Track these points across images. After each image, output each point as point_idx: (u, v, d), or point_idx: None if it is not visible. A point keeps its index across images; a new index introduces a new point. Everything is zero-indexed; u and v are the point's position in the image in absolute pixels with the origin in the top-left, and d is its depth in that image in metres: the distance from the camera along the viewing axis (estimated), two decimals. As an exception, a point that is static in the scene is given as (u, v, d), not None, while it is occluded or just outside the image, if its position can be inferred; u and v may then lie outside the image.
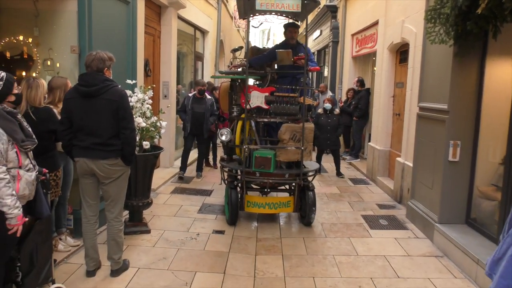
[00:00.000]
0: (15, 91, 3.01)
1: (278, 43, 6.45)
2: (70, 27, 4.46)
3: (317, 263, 4.34)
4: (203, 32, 11.53)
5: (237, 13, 16.11)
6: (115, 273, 3.82)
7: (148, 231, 4.93)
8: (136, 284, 3.71)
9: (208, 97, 7.81)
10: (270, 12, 5.73)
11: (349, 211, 6.13)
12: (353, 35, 10.74)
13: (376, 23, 8.52)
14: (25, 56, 4.73)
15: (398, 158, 6.76)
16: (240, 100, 5.51)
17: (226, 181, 5.57)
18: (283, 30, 6.09)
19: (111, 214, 3.74)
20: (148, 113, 4.82)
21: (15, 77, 3.08)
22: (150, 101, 4.92)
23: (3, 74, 2.89)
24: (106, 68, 3.53)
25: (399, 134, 7.05)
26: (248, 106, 5.20)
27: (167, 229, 5.10)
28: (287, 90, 5.34)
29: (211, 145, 8.72)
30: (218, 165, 6.49)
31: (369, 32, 9.34)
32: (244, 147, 5.13)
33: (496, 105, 4.47)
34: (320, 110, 8.61)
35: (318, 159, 8.49)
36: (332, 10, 12.68)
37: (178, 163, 8.07)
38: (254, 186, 5.73)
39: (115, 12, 5.07)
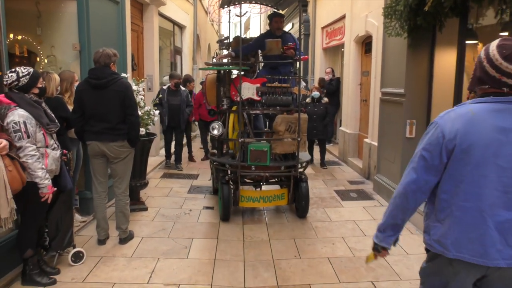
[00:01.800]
0: (40, 85, 3.53)
1: (263, 32, 6.46)
2: (70, 27, 4.96)
3: (296, 228, 5.04)
4: (181, 28, 12.03)
5: (211, 7, 16.66)
6: (123, 241, 4.41)
7: (146, 209, 5.52)
8: (142, 249, 4.31)
9: (183, 88, 7.93)
10: (256, 1, 5.80)
11: (324, 187, 6.86)
12: (323, 28, 11.45)
13: (343, 17, 9.24)
14: (25, 54, 5.20)
15: (365, 139, 7.54)
16: (230, 92, 5.34)
17: (216, 176, 5.49)
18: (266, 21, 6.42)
19: (118, 190, 4.33)
20: (141, 103, 5.37)
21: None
22: (143, 92, 5.47)
23: (30, 70, 3.43)
24: (112, 63, 4.09)
25: (366, 118, 7.82)
26: (240, 98, 5.04)
27: (162, 207, 5.70)
28: (278, 80, 5.23)
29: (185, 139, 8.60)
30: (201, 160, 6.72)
31: (337, 25, 10.06)
32: (240, 140, 4.98)
33: (443, 88, 5.23)
34: (308, 100, 8.37)
35: (310, 150, 8.32)
36: (303, 4, 13.34)
37: (163, 152, 8.58)
38: (247, 180, 5.57)
39: (107, 12, 5.57)
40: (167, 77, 10.13)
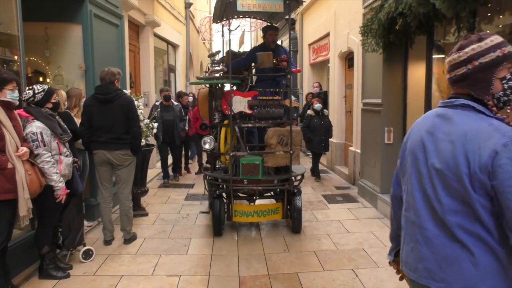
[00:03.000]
0: (53, 100, 3.99)
1: (256, 45, 6.45)
2: (76, 48, 5.44)
3: (286, 227, 5.48)
4: (174, 47, 12.59)
5: (202, 27, 17.30)
6: (127, 241, 4.83)
7: (146, 214, 5.94)
8: (145, 248, 4.74)
9: (175, 103, 8.10)
10: (249, 15, 5.77)
11: (312, 193, 7.32)
12: (310, 45, 12.08)
13: (328, 35, 9.85)
14: (29, 74, 5.65)
15: (350, 148, 8.05)
16: (222, 106, 5.30)
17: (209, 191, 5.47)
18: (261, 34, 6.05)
19: (122, 195, 4.77)
20: (141, 117, 5.84)
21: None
22: (142, 107, 5.94)
23: (45, 87, 3.90)
24: (116, 80, 4.58)
25: (351, 128, 8.35)
26: (231, 112, 4.98)
27: (161, 212, 6.13)
28: (270, 93, 5.18)
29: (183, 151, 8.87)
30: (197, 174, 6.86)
31: (323, 42, 10.67)
32: (231, 154, 4.95)
33: (416, 97, 5.77)
34: (310, 112, 8.29)
35: (316, 166, 8.39)
36: (291, 23, 13.98)
37: (159, 164, 8.98)
38: (241, 195, 5.55)
39: (108, 34, 6.08)
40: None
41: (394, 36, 5.36)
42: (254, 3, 4.77)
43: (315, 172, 8.43)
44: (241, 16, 6.24)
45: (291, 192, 5.17)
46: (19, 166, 3.27)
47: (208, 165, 5.65)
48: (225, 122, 5.25)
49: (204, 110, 5.79)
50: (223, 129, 5.27)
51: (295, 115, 6.14)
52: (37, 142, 3.64)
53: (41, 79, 5.50)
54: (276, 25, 5.98)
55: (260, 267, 4.26)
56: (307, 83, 12.32)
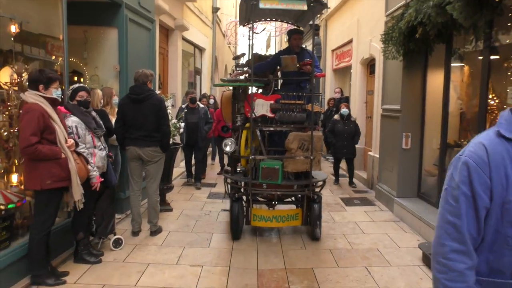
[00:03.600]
0: (78, 98, 4.23)
1: (282, 49, 6.40)
2: (111, 50, 5.82)
3: (303, 227, 5.69)
4: (201, 50, 12.97)
5: (228, 31, 17.68)
6: (154, 233, 5.15)
7: (171, 210, 6.26)
8: (170, 240, 5.04)
9: (201, 106, 8.14)
10: (273, 16, 5.68)
11: (330, 195, 7.52)
12: (333, 50, 12.27)
13: (351, 41, 10.03)
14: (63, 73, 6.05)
15: (369, 153, 8.21)
16: (244, 109, 5.26)
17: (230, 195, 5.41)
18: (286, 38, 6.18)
19: (151, 189, 5.09)
20: (169, 117, 6.16)
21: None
22: (170, 107, 6.27)
23: (76, 86, 4.28)
24: (148, 81, 4.92)
25: (371, 133, 8.50)
26: (253, 115, 4.98)
27: (185, 208, 6.44)
28: (293, 97, 5.09)
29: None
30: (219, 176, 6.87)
31: (345, 48, 10.85)
32: (251, 157, 4.92)
33: (435, 105, 5.92)
34: (336, 116, 8.27)
35: (336, 169, 8.46)
36: (315, 29, 14.20)
37: (183, 164, 9.28)
38: (260, 199, 5.50)
39: (141, 38, 6.44)
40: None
41: (414, 44, 5.54)
42: (276, 2, 4.72)
43: (336, 176, 8.51)
44: (268, 19, 6.13)
45: (311, 199, 5.08)
46: (70, 156, 3.64)
47: (229, 168, 5.62)
48: (247, 125, 5.22)
49: (227, 112, 5.87)
50: (244, 132, 5.26)
51: (320, 120, 6.15)
52: (72, 135, 3.99)
53: (76, 79, 5.88)
54: (302, 29, 5.89)
55: (277, 261, 4.50)
56: (329, 89, 12.49)
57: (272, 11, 5.60)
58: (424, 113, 6.15)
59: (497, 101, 4.99)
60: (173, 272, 4.14)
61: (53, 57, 4.76)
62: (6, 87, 4.14)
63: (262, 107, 5.08)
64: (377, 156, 7.49)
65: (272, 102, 5.09)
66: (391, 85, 6.73)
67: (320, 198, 5.19)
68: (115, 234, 4.68)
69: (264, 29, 16.29)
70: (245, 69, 5.79)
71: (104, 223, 4.51)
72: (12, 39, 4.26)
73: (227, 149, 5.15)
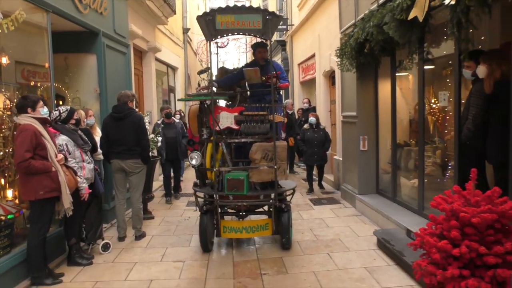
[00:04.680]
0: (75, 117, 4.86)
1: (248, 62, 6.49)
2: (91, 75, 6.35)
3: (275, 225, 6.29)
4: (174, 69, 13.56)
5: (199, 49, 18.35)
6: (138, 238, 5.65)
7: (153, 217, 6.77)
8: (154, 242, 5.56)
9: (177, 120, 8.33)
10: (233, 32, 5.59)
11: (300, 197, 8.15)
12: (299, 64, 13.07)
13: (313, 55, 10.83)
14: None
15: (334, 157, 8.92)
16: (210, 122, 5.24)
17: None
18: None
19: (134, 197, 5.62)
20: (148, 132, 6.70)
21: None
22: (148, 124, 6.82)
23: (68, 107, 4.80)
24: (129, 101, 5.48)
25: (335, 139, 9.21)
26: (217, 128, 5.06)
27: (166, 216, 6.96)
28: (257, 108, 5.18)
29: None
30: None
31: (310, 62, 11.64)
32: (215, 169, 4.98)
33: (385, 110, 6.66)
34: (306, 125, 8.61)
35: (309, 176, 8.61)
36: (281, 44, 15.06)
37: (161, 178, 9.72)
38: (230, 210, 5.58)
39: (118, 62, 6.99)
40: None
41: (364, 58, 6.28)
42: (232, 21, 4.82)
43: (309, 185, 8.68)
44: (235, 34, 6.05)
45: (280, 209, 5.13)
46: (60, 169, 4.15)
47: (197, 181, 5.55)
48: (212, 138, 5.17)
49: (194, 126, 5.82)
50: (209, 145, 5.24)
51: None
52: (63, 152, 4.50)
53: (61, 102, 6.38)
54: (266, 42, 5.93)
55: (251, 254, 5.09)
56: (297, 100, 13.26)
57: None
58: (378, 118, 6.88)
59: (438, 104, 5.77)
60: (158, 267, 4.67)
61: (39, 84, 5.29)
62: (0, 112, 4.63)
63: (226, 120, 5.16)
64: (341, 159, 8.18)
65: (236, 114, 5.16)
66: (348, 94, 7.47)
67: (289, 207, 5.22)
68: (103, 239, 5.18)
69: (228, 43, 16.91)
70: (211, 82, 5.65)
71: (93, 229, 5.01)
72: (1, 68, 4.78)
73: (193, 162, 5.15)
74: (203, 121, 5.44)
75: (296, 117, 12.06)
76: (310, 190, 8.58)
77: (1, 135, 4.61)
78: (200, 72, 5.95)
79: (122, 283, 4.30)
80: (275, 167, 4.94)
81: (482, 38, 5.04)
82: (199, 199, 5.36)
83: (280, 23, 13.11)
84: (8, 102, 4.73)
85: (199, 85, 6.00)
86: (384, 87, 6.71)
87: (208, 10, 5.22)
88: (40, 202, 4.14)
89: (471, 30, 3.98)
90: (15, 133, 4.34)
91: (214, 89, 5.60)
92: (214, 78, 6.04)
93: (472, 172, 3.29)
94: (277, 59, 16.22)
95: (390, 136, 6.50)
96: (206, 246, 5.10)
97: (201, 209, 5.14)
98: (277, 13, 15.23)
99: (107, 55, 6.44)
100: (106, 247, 5.15)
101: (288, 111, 10.45)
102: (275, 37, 15.32)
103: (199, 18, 4.93)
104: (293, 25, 13.24)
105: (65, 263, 4.77)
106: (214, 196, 4.97)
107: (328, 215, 6.76)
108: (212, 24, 4.96)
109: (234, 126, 5.15)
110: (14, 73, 5.10)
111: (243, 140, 5.16)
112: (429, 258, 3.35)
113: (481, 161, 4.29)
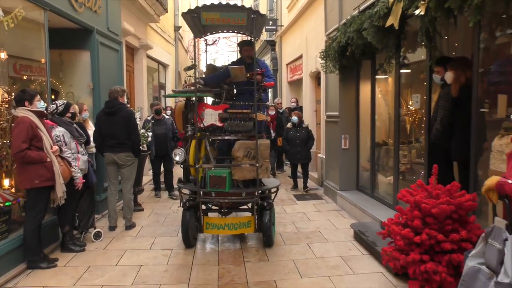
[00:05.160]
0: (71, 110, 5.12)
1: (234, 60, 6.63)
2: (84, 70, 6.59)
3: (259, 218, 6.61)
4: (164, 66, 13.79)
5: (190, 46, 18.58)
6: (128, 228, 5.93)
7: (142, 210, 7.04)
8: (143, 232, 5.84)
9: (167, 116, 8.45)
10: (217, 29, 5.63)
11: (284, 193, 8.48)
12: (287, 64, 13.39)
13: (301, 56, 11.16)
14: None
15: (318, 155, 9.27)
16: (194, 118, 5.18)
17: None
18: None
19: (125, 189, 5.89)
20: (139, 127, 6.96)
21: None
22: (138, 120, 7.08)
23: (65, 101, 5.05)
24: (119, 96, 5.75)
25: (320, 138, 9.56)
26: (202, 125, 5.07)
27: (155, 208, 7.24)
28: (242, 106, 5.21)
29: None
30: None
31: (298, 62, 11.97)
32: (197, 166, 5.01)
33: (366, 111, 7.02)
34: (289, 125, 8.69)
35: (293, 175, 8.86)
36: (271, 44, 15.38)
37: (151, 173, 9.95)
38: (213, 207, 5.67)
39: (111, 58, 7.24)
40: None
41: (346, 60, 6.61)
42: (217, 17, 4.87)
43: (294, 181, 8.93)
44: (224, 31, 5.99)
45: (262, 206, 5.17)
46: (55, 160, 4.41)
47: (182, 178, 5.58)
48: (198, 134, 5.20)
49: (179, 122, 5.74)
50: (193, 142, 5.21)
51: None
52: (60, 143, 4.76)
53: (53, 96, 6.59)
54: (252, 41, 5.65)
55: (235, 243, 5.39)
56: (285, 99, 13.58)
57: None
58: (359, 118, 7.24)
59: (414, 107, 6.13)
60: (147, 254, 4.96)
61: (32, 78, 5.52)
62: (-1, 105, 4.87)
63: (211, 117, 5.14)
64: (324, 157, 8.53)
65: (220, 111, 5.15)
66: (331, 95, 7.81)
67: (271, 205, 5.25)
68: (95, 228, 5.44)
69: (216, 40, 17.11)
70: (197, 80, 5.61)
71: (85, 218, 5.27)
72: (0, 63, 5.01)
73: (177, 158, 5.18)
74: (188, 118, 5.39)
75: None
76: (295, 187, 8.86)
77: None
78: (187, 69, 5.97)
79: (113, 267, 4.58)
80: (257, 165, 4.97)
81: (456, 45, 5.42)
82: (183, 195, 5.48)
83: (269, 23, 13.57)
84: (6, 95, 4.97)
85: (185, 81, 5.97)
86: (365, 89, 7.06)
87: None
88: (36, 190, 4.40)
89: (444, 38, 4.32)
90: (12, 125, 4.59)
91: (200, 86, 5.55)
92: (201, 75, 6.09)
93: (433, 168, 3.65)
94: (267, 58, 16.54)
95: (369, 136, 6.85)
96: (188, 242, 5.17)
97: (184, 205, 5.19)
98: (267, 14, 15.55)
99: (101, 52, 6.69)
100: (97, 235, 5.42)
101: (278, 109, 10.62)
102: (265, 37, 15.64)
103: (184, 15, 4.97)
104: (283, 26, 13.56)
105: (58, 249, 5.03)
106: (197, 192, 5.05)
107: (310, 209, 7.10)
108: (199, 21, 5.01)
109: (218, 124, 5.15)
110: (7, 67, 5.33)
111: (226, 137, 5.18)
112: (395, 245, 3.70)
113: (448, 159, 4.65)
